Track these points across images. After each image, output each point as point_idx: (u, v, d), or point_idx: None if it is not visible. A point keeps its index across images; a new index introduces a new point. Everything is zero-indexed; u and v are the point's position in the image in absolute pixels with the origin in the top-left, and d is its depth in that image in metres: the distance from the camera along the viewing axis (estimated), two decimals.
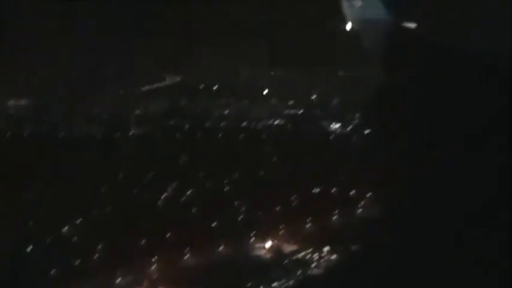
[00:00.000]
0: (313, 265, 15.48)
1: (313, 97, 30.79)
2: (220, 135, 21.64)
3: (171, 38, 31.30)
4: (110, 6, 27.60)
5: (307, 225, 17.40)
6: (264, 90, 29.72)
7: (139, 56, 29.24)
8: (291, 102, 28.40)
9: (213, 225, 16.47)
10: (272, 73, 34.56)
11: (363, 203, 18.45)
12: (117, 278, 14.15)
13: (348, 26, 9.18)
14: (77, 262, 14.55)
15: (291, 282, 14.39)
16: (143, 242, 15.53)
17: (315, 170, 20.08)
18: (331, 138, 23.37)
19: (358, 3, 8.83)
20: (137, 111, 23.04)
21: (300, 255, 15.86)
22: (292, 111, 26.21)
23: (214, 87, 28.06)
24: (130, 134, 21.08)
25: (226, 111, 24.51)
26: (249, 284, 13.70)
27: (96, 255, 14.84)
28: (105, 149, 20.72)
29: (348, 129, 24.44)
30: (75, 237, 15.67)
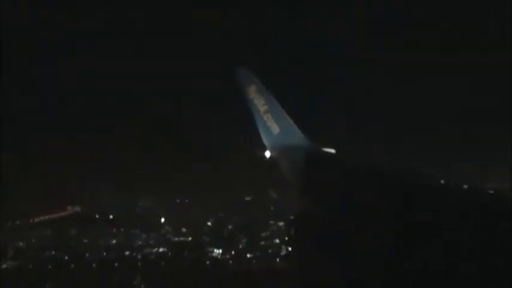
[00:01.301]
0: None
1: (209, 223, 32.81)
2: (94, 265, 22.56)
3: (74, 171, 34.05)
4: None
5: None
6: (160, 218, 31.58)
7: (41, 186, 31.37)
8: (183, 230, 30.18)
9: None
10: (177, 201, 37.05)
11: None
12: None
13: (267, 153, 8.75)
14: None
15: None
16: None
17: None
18: (208, 263, 24.64)
19: (276, 130, 8.75)
20: (20, 244, 23.92)
21: None
22: (182, 239, 27.73)
23: (110, 217, 29.71)
24: (3, 267, 21.63)
25: (114, 241, 25.76)
26: None
27: None
28: None
29: (230, 254, 26.02)
30: None
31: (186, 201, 33.96)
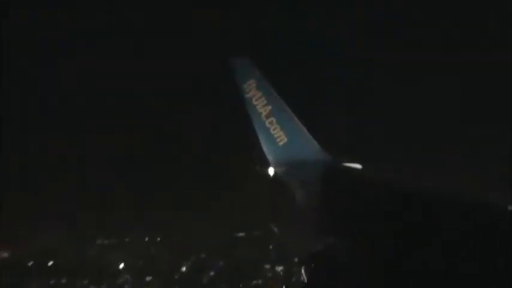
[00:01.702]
0: None
1: (184, 268, 25.51)
2: None
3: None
4: None
5: None
6: (119, 264, 24.25)
7: None
8: (148, 279, 23.00)
9: None
10: (146, 239, 29.47)
11: None
12: None
13: (270, 170, 6.91)
14: None
15: None
16: None
17: None
18: None
19: (282, 140, 6.77)
20: None
21: None
22: None
23: (49, 264, 22.36)
24: None
25: None
26: None
27: None
28: None
29: None
30: None
31: (159, 239, 26.95)
